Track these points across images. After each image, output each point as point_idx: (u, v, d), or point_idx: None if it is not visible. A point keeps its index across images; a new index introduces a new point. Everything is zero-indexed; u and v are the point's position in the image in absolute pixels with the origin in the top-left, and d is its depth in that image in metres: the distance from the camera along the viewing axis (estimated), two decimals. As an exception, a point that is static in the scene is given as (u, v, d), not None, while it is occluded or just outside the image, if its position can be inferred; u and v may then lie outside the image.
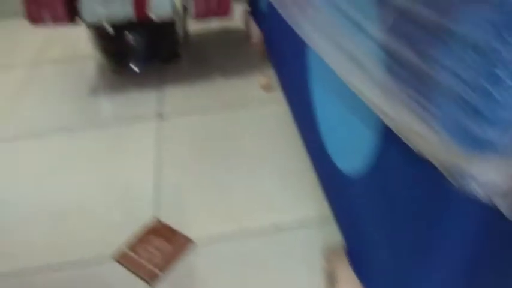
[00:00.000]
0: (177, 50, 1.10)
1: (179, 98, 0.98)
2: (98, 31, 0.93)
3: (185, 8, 1.02)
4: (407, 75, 0.33)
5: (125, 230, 0.66)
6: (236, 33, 1.20)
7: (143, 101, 0.97)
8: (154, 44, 1.01)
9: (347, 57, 0.43)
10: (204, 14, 0.86)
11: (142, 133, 0.87)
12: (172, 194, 0.72)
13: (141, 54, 1.00)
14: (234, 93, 0.99)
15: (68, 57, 1.17)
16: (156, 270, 0.60)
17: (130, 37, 0.96)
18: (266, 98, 0.96)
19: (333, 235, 0.55)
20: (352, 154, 0.47)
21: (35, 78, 1.10)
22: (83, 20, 0.83)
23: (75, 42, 1.20)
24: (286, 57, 0.77)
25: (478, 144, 0.26)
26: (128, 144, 0.85)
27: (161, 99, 0.98)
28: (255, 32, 1.15)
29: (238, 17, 0.97)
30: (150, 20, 0.86)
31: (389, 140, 0.39)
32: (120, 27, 0.89)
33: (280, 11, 0.66)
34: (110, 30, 0.85)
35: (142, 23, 0.88)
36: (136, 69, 0.99)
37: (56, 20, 0.80)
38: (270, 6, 0.79)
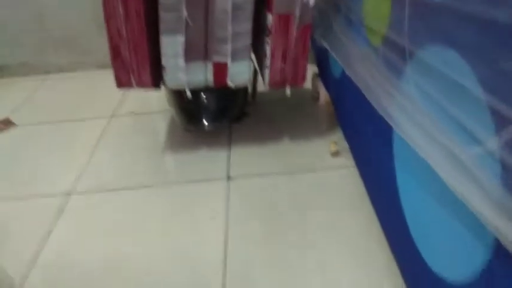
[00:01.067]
0: (246, 109, 1.13)
1: (247, 159, 0.99)
2: (174, 91, 0.98)
3: (255, 70, 1.05)
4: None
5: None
6: (303, 93, 1.21)
7: (212, 160, 0.99)
8: (226, 104, 1.04)
9: (450, 159, 0.41)
10: (279, 84, 0.88)
11: (210, 195, 0.89)
12: (239, 267, 0.71)
13: (212, 113, 1.03)
14: (302, 157, 0.98)
15: (142, 111, 1.24)
16: None
17: (203, 97, 1.00)
18: (334, 163, 0.95)
19: None
20: (453, 259, 0.44)
21: (111, 131, 1.17)
22: (166, 86, 0.88)
23: (150, 97, 1.28)
24: (363, 131, 0.76)
25: None
26: (196, 207, 0.86)
27: (229, 159, 0.99)
28: (323, 93, 1.15)
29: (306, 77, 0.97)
30: (227, 86, 0.89)
31: (503, 254, 0.36)
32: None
33: (361, 88, 0.66)
34: (189, 94, 0.89)
35: (217, 86, 0.91)
36: (206, 127, 1.03)
37: (141, 85, 0.85)
38: (344, 74, 0.80)
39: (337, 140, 0.99)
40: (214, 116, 1.04)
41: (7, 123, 1.26)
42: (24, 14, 1.48)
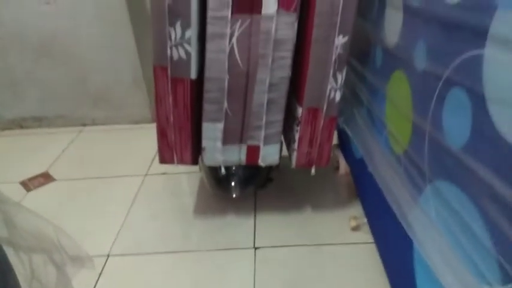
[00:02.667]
0: (271, 174, 1.22)
1: (272, 228, 1.07)
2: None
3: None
4: None
5: None
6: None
7: (239, 228, 1.07)
8: (253, 172, 1.13)
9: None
10: (305, 165, 0.97)
11: (238, 264, 0.96)
12: None
13: (239, 180, 1.12)
14: (323, 228, 1.06)
15: (173, 172, 1.33)
16: None
17: (232, 166, 1.09)
18: (354, 237, 1.02)
19: None
20: None
21: (145, 191, 1.26)
22: (204, 162, 0.97)
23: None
24: (383, 215, 0.84)
25: None
26: (225, 276, 0.93)
27: (255, 227, 1.07)
28: (343, 164, 1.24)
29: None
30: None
31: None
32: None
33: (382, 187, 0.74)
34: (223, 170, 0.98)
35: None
36: (234, 194, 1.11)
37: (182, 162, 0.95)
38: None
39: (357, 214, 1.06)
40: (242, 183, 1.12)
41: (47, 178, 1.37)
42: (67, 73, 1.61)
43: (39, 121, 1.72)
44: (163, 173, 1.34)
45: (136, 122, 1.71)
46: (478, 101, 0.43)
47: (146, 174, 1.35)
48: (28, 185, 1.33)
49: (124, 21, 1.51)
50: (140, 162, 1.41)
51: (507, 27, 0.38)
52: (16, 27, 1.52)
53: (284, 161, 1.30)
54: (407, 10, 0.64)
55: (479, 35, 0.42)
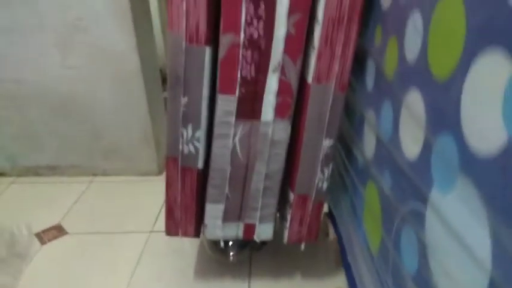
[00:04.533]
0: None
1: (264, 294, 1.18)
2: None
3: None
4: None
5: None
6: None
7: (235, 293, 1.18)
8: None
9: None
10: (295, 241, 1.09)
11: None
12: None
13: (237, 246, 1.24)
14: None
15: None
16: None
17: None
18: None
19: None
20: None
21: (150, 250, 1.37)
22: (205, 235, 1.09)
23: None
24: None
25: None
26: None
27: (249, 292, 1.18)
28: (332, 232, 1.36)
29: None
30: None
31: None
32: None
33: (357, 279, 0.86)
34: (222, 244, 1.10)
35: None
36: (231, 259, 1.23)
37: (185, 235, 1.07)
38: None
39: (341, 285, 1.17)
40: (239, 248, 1.24)
41: (60, 231, 1.48)
42: (82, 128, 1.75)
43: (53, 170, 1.85)
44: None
45: (144, 174, 1.84)
46: (422, 248, 0.55)
47: (151, 231, 1.47)
48: (43, 237, 1.44)
49: (139, 87, 1.66)
50: (146, 218, 1.53)
51: (442, 205, 0.51)
52: (37, 89, 1.67)
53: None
54: (379, 141, 0.78)
55: (422, 197, 0.55)
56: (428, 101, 0.55)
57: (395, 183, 0.67)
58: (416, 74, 0.59)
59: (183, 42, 0.85)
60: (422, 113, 0.56)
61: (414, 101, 0.59)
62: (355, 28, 0.83)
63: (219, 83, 0.89)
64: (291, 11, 0.82)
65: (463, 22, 0.45)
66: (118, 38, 1.57)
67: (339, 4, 0.81)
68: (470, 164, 0.43)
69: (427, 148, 0.55)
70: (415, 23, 0.60)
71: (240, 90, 0.89)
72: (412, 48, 0.61)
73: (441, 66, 0.51)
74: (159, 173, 1.84)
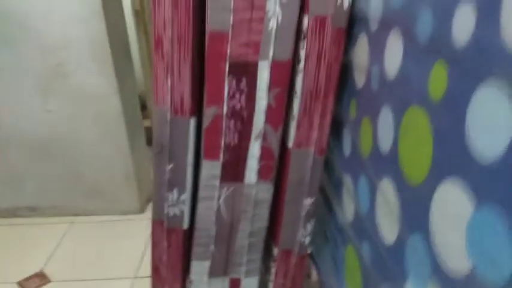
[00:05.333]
0: None
1: None
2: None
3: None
4: None
5: None
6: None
7: None
8: None
9: None
10: (280, 293, 1.12)
11: None
12: None
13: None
14: None
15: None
16: None
17: None
18: None
19: None
20: None
21: (135, 297, 1.38)
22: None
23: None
24: None
25: None
26: None
27: None
28: (314, 273, 1.39)
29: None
30: None
31: None
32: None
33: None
34: (208, 295, 1.13)
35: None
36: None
37: (172, 292, 1.09)
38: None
39: (324, 330, 1.20)
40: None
41: (42, 278, 1.47)
42: (63, 168, 1.75)
43: (33, 210, 1.83)
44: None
45: (126, 213, 1.84)
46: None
47: (136, 277, 1.47)
48: (25, 286, 1.42)
49: (119, 127, 1.67)
50: (130, 262, 1.53)
51: None
52: (16, 130, 1.66)
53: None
54: (357, 211, 0.82)
55: (399, 286, 0.59)
56: (401, 197, 0.59)
57: (375, 260, 0.71)
58: (390, 166, 0.63)
59: (168, 114, 0.87)
60: (396, 206, 0.60)
61: (388, 191, 0.63)
62: (331, 99, 0.88)
63: (203, 150, 0.92)
64: (272, 86, 0.86)
65: (430, 146, 0.50)
66: (99, 81, 1.58)
67: (315, 78, 0.85)
68: (439, 276, 0.48)
69: (401, 240, 0.59)
70: (386, 116, 0.65)
71: (224, 156, 0.92)
72: (384, 139, 0.66)
73: (411, 172, 0.56)
74: (141, 211, 1.85)
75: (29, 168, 1.74)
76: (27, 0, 1.45)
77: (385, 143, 0.65)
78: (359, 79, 0.82)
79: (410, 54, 0.57)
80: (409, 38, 0.57)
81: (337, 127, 0.96)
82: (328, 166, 1.07)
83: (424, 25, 0.52)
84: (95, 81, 1.58)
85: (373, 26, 0.72)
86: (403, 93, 0.59)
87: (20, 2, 1.45)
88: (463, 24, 0.44)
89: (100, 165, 1.75)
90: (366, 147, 0.76)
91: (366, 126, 0.76)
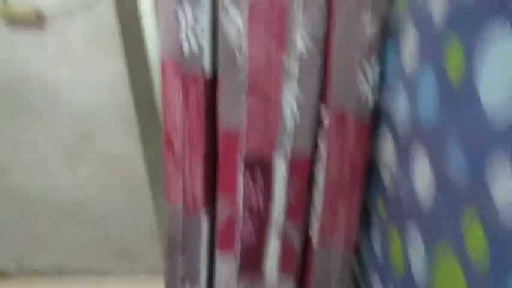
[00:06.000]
0: None
1: None
2: None
3: None
4: None
5: None
6: None
7: None
8: None
9: None
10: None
11: None
12: None
13: None
14: None
15: None
16: None
17: None
18: None
19: None
20: None
21: None
22: None
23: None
24: None
25: None
26: None
27: None
28: None
29: None
30: None
31: None
32: None
33: None
34: None
35: None
36: None
37: None
38: None
39: None
40: None
41: None
42: (90, 230, 1.74)
43: (60, 272, 1.83)
44: None
45: (152, 273, 1.80)
46: None
47: None
48: None
49: (144, 188, 1.65)
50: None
51: None
52: (45, 194, 1.68)
53: None
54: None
55: None
56: None
57: None
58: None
59: (180, 211, 0.83)
60: None
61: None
62: (357, 197, 0.80)
63: (218, 246, 0.86)
64: (290, 183, 0.79)
65: None
66: (125, 145, 1.58)
67: (339, 175, 0.78)
68: None
69: None
70: (416, 241, 0.57)
71: (240, 254, 0.86)
72: (416, 267, 0.57)
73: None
74: (167, 272, 1.80)
75: (57, 230, 1.75)
76: (53, 69, 1.48)
77: (416, 271, 0.56)
78: (386, 179, 0.74)
79: (441, 187, 0.49)
80: (439, 171, 0.49)
81: (367, 220, 0.87)
82: (357, 256, 0.98)
83: (457, 165, 0.45)
84: (120, 145, 1.58)
85: (400, 130, 0.65)
86: (435, 228, 0.51)
87: (47, 71, 1.49)
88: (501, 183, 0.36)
89: (125, 226, 1.73)
90: (396, 262, 0.67)
91: (395, 237, 0.68)
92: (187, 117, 0.75)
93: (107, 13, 1.37)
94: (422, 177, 0.54)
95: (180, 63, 0.73)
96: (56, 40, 1.41)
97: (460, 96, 0.42)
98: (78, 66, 1.48)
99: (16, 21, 1.39)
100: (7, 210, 1.72)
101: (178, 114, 0.75)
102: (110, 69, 1.47)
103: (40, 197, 1.68)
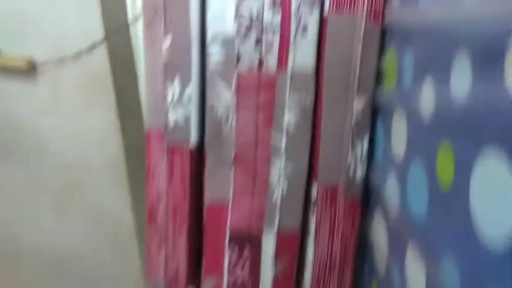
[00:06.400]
0: None
1: None
2: None
3: None
4: None
5: None
6: None
7: None
8: None
9: None
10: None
11: None
12: None
13: None
14: None
15: None
16: None
17: None
18: None
19: None
20: None
21: None
22: None
23: None
24: None
25: None
26: None
27: None
28: None
29: None
30: None
31: None
32: None
33: None
34: None
35: None
36: None
37: None
38: None
39: None
40: None
41: None
42: (72, 284, 1.66)
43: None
44: None
45: (136, 333, 1.70)
46: None
47: None
48: None
49: (132, 246, 1.60)
50: None
51: None
52: (30, 245, 1.62)
53: None
54: None
55: None
56: None
57: None
58: None
59: None
60: None
61: None
62: (348, 275, 0.75)
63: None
64: (278, 258, 0.75)
65: None
66: (114, 197, 1.54)
67: (329, 251, 0.74)
68: None
69: None
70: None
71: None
72: None
73: None
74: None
75: (41, 283, 1.67)
76: (44, 117, 1.47)
77: None
78: (380, 264, 0.70)
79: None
80: (432, 275, 0.46)
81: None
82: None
83: (449, 275, 0.41)
84: (109, 197, 1.55)
85: (392, 218, 0.62)
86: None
87: (37, 119, 1.48)
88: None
89: (111, 280, 1.66)
90: None
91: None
92: (171, 188, 0.72)
93: (100, 62, 1.38)
94: (415, 278, 0.51)
95: (165, 133, 0.71)
96: (48, 88, 1.41)
97: (449, 202, 0.40)
98: (68, 115, 1.47)
99: (8, 69, 1.39)
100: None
101: (162, 185, 0.72)
102: (101, 119, 1.46)
103: (26, 247, 1.61)
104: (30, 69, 1.39)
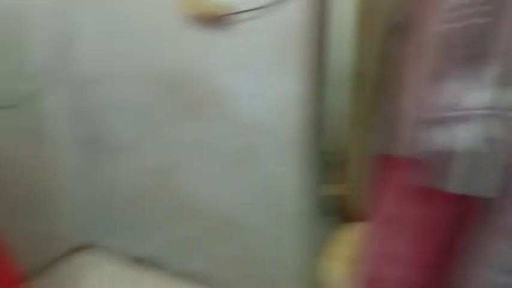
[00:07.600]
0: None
1: None
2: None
3: None
4: None
5: None
6: None
7: None
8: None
9: None
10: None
11: None
12: None
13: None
14: None
15: None
16: None
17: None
18: None
19: None
20: None
21: None
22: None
23: None
24: None
25: None
26: None
27: None
28: None
29: None
30: None
31: None
32: None
33: None
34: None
35: None
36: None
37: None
38: None
39: None
40: None
41: None
42: (231, 247, 1.61)
43: (204, 281, 1.76)
44: None
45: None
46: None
47: None
48: None
49: (295, 216, 1.43)
50: None
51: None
52: (199, 201, 1.59)
53: None
54: None
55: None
56: None
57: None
58: None
59: None
60: None
61: None
62: None
63: None
64: None
65: None
66: (287, 174, 1.37)
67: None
68: None
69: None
70: None
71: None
72: None
73: None
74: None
75: (199, 240, 1.67)
76: (228, 72, 1.34)
77: None
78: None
79: None
80: None
81: None
82: None
83: None
84: (280, 167, 1.38)
85: None
86: None
87: (224, 75, 1.35)
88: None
89: (269, 252, 1.55)
90: None
91: None
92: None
93: (298, 16, 1.17)
94: None
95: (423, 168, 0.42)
96: (238, 41, 1.28)
97: None
98: (254, 73, 1.30)
99: (202, 17, 1.28)
100: (164, 208, 1.71)
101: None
102: (288, 82, 1.26)
103: (194, 200, 1.61)
104: (223, 19, 1.25)
